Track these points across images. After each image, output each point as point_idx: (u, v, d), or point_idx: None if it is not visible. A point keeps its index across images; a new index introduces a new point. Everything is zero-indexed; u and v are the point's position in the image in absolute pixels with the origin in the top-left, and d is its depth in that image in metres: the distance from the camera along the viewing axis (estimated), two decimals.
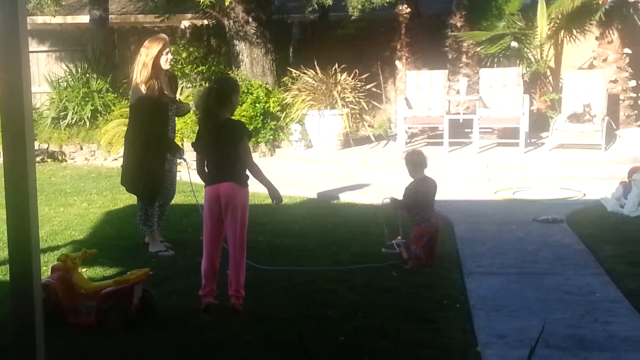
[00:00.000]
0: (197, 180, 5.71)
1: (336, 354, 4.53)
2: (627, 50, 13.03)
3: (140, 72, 6.76)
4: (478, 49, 13.04)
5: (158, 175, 6.95)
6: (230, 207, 5.21)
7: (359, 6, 12.16)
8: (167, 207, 7.28)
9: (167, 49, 6.89)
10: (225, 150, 5.27)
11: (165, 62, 6.86)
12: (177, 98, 7.49)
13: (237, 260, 5.28)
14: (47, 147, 14.12)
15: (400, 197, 6.62)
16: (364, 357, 4.47)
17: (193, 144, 5.63)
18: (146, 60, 6.75)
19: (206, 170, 5.42)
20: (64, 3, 17.01)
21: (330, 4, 12.61)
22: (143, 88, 6.72)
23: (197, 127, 5.80)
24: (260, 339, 4.77)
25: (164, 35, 7.12)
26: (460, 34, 13.15)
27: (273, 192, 5.43)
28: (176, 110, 7.12)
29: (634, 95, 13.23)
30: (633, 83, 13.13)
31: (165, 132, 6.95)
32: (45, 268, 5.91)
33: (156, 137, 6.84)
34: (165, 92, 6.91)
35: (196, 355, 4.60)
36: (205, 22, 14.96)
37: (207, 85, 5.59)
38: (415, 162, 6.58)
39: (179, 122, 12.83)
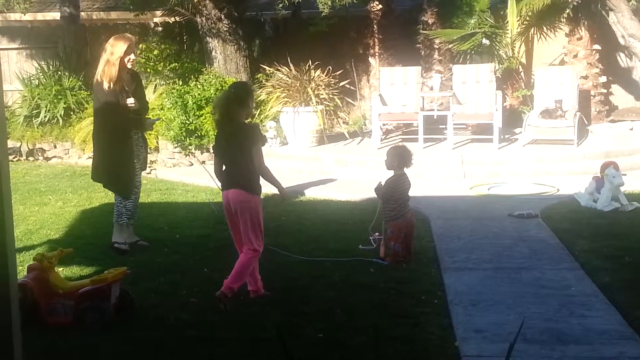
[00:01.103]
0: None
1: (315, 350, 4.54)
2: (597, 47, 13.19)
3: (104, 71, 6.75)
4: (450, 45, 13.11)
5: (129, 169, 6.95)
6: (240, 213, 5.33)
7: (329, 2, 12.17)
8: (137, 204, 7.22)
9: (133, 50, 6.90)
10: (238, 155, 5.36)
11: (129, 62, 6.87)
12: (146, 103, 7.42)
13: (242, 259, 5.37)
14: (20, 146, 13.97)
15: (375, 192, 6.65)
16: (343, 353, 4.49)
17: (214, 147, 5.77)
18: (111, 59, 6.75)
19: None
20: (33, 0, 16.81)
21: (300, 1, 12.61)
22: (106, 86, 6.72)
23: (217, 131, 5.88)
24: (239, 337, 4.77)
25: (129, 35, 7.09)
26: (431, 32, 13.19)
27: (283, 192, 5.71)
28: (142, 121, 7.14)
29: (605, 91, 13.41)
30: (603, 79, 13.29)
31: (128, 128, 6.92)
32: (21, 268, 5.85)
33: (121, 134, 6.86)
34: (127, 89, 6.89)
35: (174, 354, 4.59)
36: (178, 18, 14.86)
37: (225, 90, 5.73)
38: (403, 155, 6.58)
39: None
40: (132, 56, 6.92)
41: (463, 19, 13.12)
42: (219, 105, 5.54)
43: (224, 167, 5.51)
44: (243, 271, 5.34)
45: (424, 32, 13.39)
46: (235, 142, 5.36)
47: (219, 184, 5.59)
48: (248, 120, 5.78)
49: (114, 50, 6.75)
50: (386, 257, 6.36)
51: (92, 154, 7.31)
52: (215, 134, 5.82)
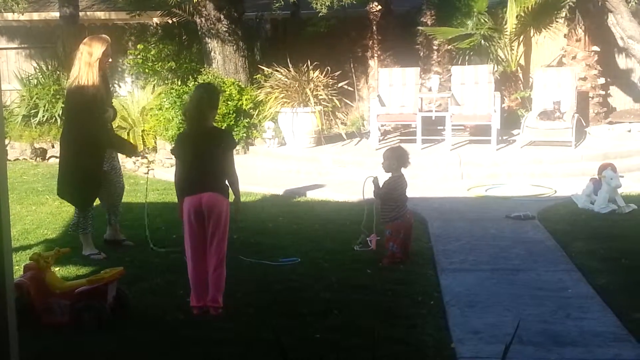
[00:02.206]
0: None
1: (312, 351, 4.53)
2: (596, 48, 13.20)
3: (84, 73, 6.55)
4: (448, 47, 13.13)
5: (94, 179, 6.78)
6: (214, 218, 5.15)
7: (327, 3, 12.17)
8: (119, 205, 7.16)
9: (110, 51, 6.74)
10: (213, 159, 5.23)
11: (105, 64, 6.70)
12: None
13: (218, 270, 5.20)
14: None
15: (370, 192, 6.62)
16: (340, 355, 4.48)
17: (173, 150, 5.60)
18: (90, 60, 6.55)
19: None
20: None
21: (296, 1, 12.62)
22: (84, 89, 6.52)
23: (179, 132, 5.77)
24: (235, 337, 4.76)
25: (106, 36, 6.88)
26: (429, 29, 13.21)
27: (239, 207, 5.45)
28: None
29: (603, 92, 13.42)
30: (602, 80, 13.30)
31: (105, 133, 6.81)
32: (17, 267, 5.83)
33: (95, 139, 6.67)
34: (102, 92, 6.74)
35: (171, 354, 4.59)
36: (177, 19, 14.86)
37: (193, 93, 5.57)
38: (402, 157, 6.56)
39: (151, 120, 12.81)
40: (109, 58, 6.75)
41: (462, 20, 13.13)
42: (192, 108, 5.33)
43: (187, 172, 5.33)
44: (221, 282, 5.20)
45: (422, 28, 13.40)
46: (207, 146, 5.23)
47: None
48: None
49: (93, 52, 6.55)
50: (383, 259, 6.36)
51: (59, 164, 7.02)
52: (178, 137, 5.65)
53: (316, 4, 12.25)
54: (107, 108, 6.84)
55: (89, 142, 6.63)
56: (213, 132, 5.38)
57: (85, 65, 6.57)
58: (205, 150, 5.24)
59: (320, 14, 12.56)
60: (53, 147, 14.10)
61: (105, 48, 6.63)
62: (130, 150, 6.99)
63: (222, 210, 5.19)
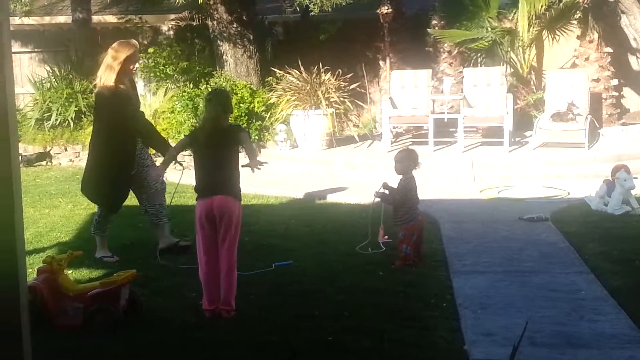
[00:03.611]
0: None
1: (323, 354, 4.53)
2: (609, 49, 13.13)
3: (104, 75, 6.62)
4: (460, 48, 13.10)
5: (125, 182, 6.82)
6: (225, 221, 5.14)
7: (318, 2, 12.21)
8: (163, 204, 7.07)
9: (137, 56, 6.81)
10: (226, 159, 5.23)
11: (132, 68, 6.76)
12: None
13: (230, 275, 5.20)
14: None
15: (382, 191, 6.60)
16: (350, 357, 4.48)
17: (185, 143, 5.61)
18: (112, 64, 6.61)
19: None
20: (45, 3, 16.91)
21: (308, 3, 12.64)
22: (112, 91, 6.59)
23: (192, 129, 5.77)
24: (246, 340, 4.77)
25: (134, 42, 6.95)
26: (436, 31, 13.19)
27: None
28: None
29: (616, 93, 13.35)
30: (615, 82, 13.24)
31: (138, 124, 6.84)
32: (30, 270, 5.86)
33: (127, 141, 6.72)
34: (131, 95, 6.81)
35: (182, 356, 4.59)
36: (189, 22, 14.95)
37: (206, 99, 5.60)
38: (413, 158, 6.55)
39: (164, 123, 12.84)
40: (137, 64, 6.84)
41: (471, 23, 13.07)
42: (211, 118, 5.33)
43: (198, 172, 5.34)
44: (233, 286, 5.20)
45: (433, 31, 13.39)
46: (223, 143, 5.24)
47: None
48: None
49: (118, 55, 6.62)
50: (395, 261, 6.35)
51: (86, 163, 7.08)
52: (193, 131, 5.64)
53: (310, 3, 12.28)
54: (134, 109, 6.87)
55: (115, 142, 6.68)
56: (230, 129, 5.39)
57: (107, 67, 6.64)
58: (220, 148, 5.24)
59: (312, 13, 12.53)
60: (66, 150, 14.19)
61: (130, 53, 6.67)
62: (164, 147, 6.96)
63: (234, 214, 5.17)
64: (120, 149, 6.70)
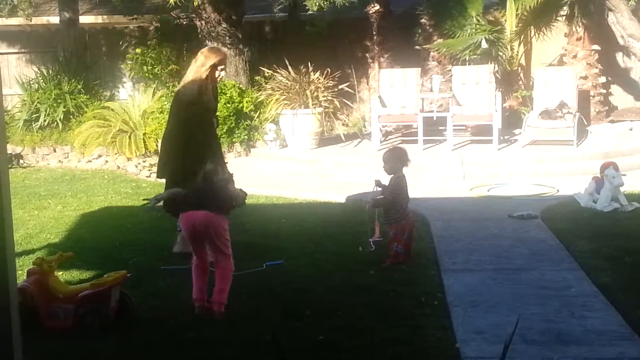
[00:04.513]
0: None
1: (314, 353, 4.53)
2: (596, 47, 13.19)
3: (189, 79, 6.67)
4: (454, 54, 13.11)
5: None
6: (210, 235, 5.18)
7: (316, 2, 12.21)
8: None
9: (224, 63, 6.82)
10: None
11: (216, 75, 6.77)
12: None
13: (222, 269, 5.24)
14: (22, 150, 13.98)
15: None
16: (341, 356, 4.48)
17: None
18: (201, 70, 6.62)
19: None
20: (33, 3, 16.84)
21: (292, 3, 12.65)
22: (195, 94, 6.58)
23: None
24: (239, 339, 4.76)
25: (223, 50, 6.92)
26: (435, 45, 13.17)
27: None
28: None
29: (604, 91, 13.41)
30: (603, 79, 13.30)
31: (208, 138, 6.80)
32: (20, 272, 5.85)
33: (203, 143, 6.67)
34: (210, 108, 6.80)
35: (174, 357, 4.59)
36: (177, 21, 14.91)
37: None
38: (402, 156, 6.55)
39: (153, 124, 12.82)
40: (223, 73, 6.86)
41: (459, 21, 13.08)
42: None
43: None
44: (228, 283, 5.24)
45: (426, 46, 13.40)
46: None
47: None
48: None
49: (205, 62, 6.64)
50: (386, 259, 6.36)
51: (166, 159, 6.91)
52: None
53: (309, 3, 12.27)
54: (211, 115, 6.87)
55: (190, 141, 6.63)
56: None
57: (193, 72, 6.67)
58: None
59: (310, 12, 12.54)
60: (55, 151, 14.13)
61: (217, 60, 6.67)
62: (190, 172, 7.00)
63: (219, 227, 5.19)
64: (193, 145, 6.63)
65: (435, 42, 13.27)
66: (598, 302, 5.27)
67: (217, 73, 6.76)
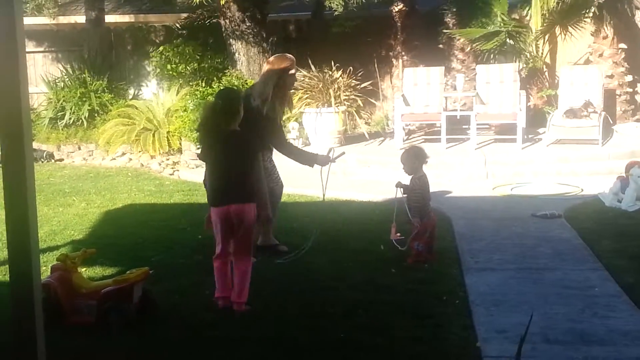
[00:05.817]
0: None
1: (334, 351, 4.53)
2: (623, 46, 13.05)
3: (257, 84, 6.71)
4: (473, 45, 13.06)
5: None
6: (243, 226, 5.21)
7: (342, 2, 12.19)
8: (278, 205, 7.07)
9: (291, 70, 6.70)
10: (238, 166, 5.23)
11: (290, 83, 6.77)
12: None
13: (245, 272, 5.26)
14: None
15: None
16: (362, 354, 4.48)
17: (200, 155, 5.64)
18: (266, 76, 6.61)
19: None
20: (60, 3, 17.01)
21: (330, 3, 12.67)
22: (257, 100, 6.52)
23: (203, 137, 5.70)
24: (260, 337, 4.77)
25: (290, 56, 6.87)
26: (454, 32, 13.16)
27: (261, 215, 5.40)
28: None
29: (630, 90, 13.26)
30: (629, 78, 13.15)
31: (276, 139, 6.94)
32: (44, 268, 5.91)
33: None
34: (276, 109, 6.72)
35: (196, 354, 4.60)
36: (202, 21, 14.98)
37: (210, 100, 5.54)
38: (418, 155, 6.54)
39: (176, 122, 12.88)
40: (292, 79, 6.84)
41: (484, 20, 13.04)
42: (207, 116, 5.36)
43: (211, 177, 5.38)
44: (247, 282, 5.25)
45: (447, 31, 13.36)
46: (234, 150, 5.23)
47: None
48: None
49: (272, 69, 6.63)
50: (408, 258, 6.34)
51: None
52: (203, 140, 5.65)
53: (332, 3, 12.27)
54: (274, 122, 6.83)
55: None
56: (237, 135, 5.30)
57: (262, 77, 6.71)
58: (231, 155, 5.24)
59: (336, 13, 12.54)
60: (79, 149, 14.26)
61: (284, 66, 6.63)
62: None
63: (251, 218, 5.24)
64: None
65: (453, 30, 13.22)
66: (621, 302, 5.23)
67: (284, 79, 6.62)
